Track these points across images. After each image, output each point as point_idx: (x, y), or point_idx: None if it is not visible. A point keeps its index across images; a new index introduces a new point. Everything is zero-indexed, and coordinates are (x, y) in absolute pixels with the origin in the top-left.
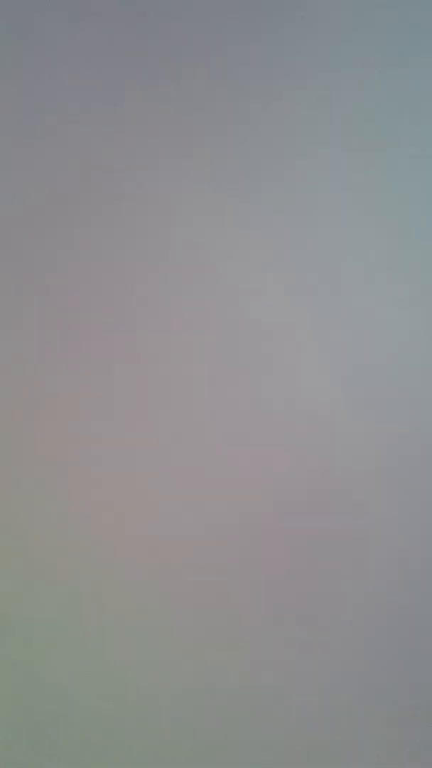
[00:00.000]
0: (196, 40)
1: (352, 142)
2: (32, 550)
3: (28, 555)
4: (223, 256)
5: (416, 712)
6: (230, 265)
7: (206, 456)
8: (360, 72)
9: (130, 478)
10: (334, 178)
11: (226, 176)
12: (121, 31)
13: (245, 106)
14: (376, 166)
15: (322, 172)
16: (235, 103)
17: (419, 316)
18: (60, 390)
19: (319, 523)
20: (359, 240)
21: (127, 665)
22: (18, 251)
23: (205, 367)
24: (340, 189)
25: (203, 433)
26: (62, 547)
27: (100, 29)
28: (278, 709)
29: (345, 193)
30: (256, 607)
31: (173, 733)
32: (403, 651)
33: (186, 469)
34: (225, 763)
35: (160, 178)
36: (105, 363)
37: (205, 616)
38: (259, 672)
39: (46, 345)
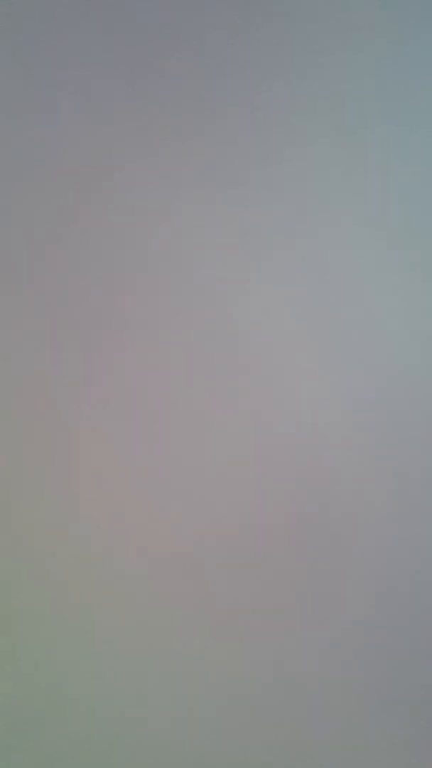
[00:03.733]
0: (196, 41)
1: (351, 147)
2: (32, 551)
3: (27, 556)
4: (223, 267)
5: (417, 712)
6: (231, 277)
7: (206, 463)
8: (359, 71)
9: (130, 483)
10: (334, 185)
11: (225, 182)
12: (121, 31)
13: (241, 106)
14: (377, 171)
15: (321, 179)
16: (232, 104)
17: (423, 331)
18: (60, 395)
19: (316, 531)
20: (363, 250)
21: (126, 666)
22: (19, 257)
23: (205, 378)
24: (341, 196)
25: (203, 442)
26: (62, 550)
27: (98, 29)
28: (278, 708)
29: (346, 201)
30: (255, 611)
31: (172, 732)
32: (402, 650)
33: (186, 475)
34: (225, 763)
35: (158, 183)
36: (105, 373)
37: (204, 618)
38: (258, 671)
39: (46, 354)
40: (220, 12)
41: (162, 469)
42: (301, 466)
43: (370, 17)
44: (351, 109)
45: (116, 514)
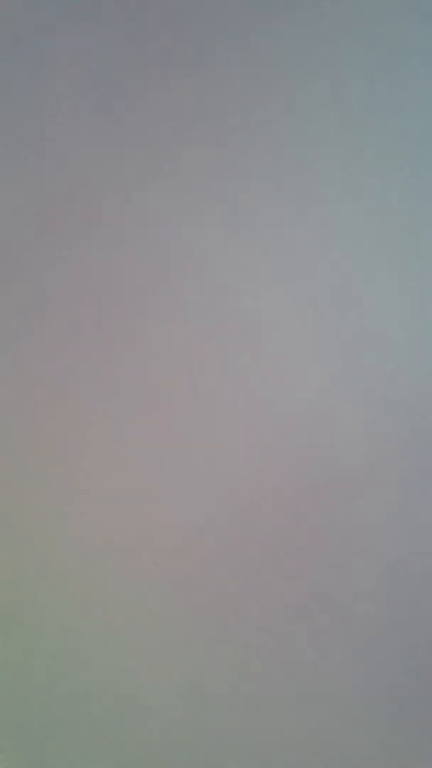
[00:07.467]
0: (196, 42)
1: (349, 138)
2: (31, 546)
3: (27, 551)
4: (217, 249)
5: (416, 711)
6: (225, 260)
7: (202, 451)
8: (359, 70)
9: (128, 471)
10: (332, 177)
11: (223, 178)
12: (121, 32)
13: (243, 103)
14: (374, 164)
15: (319, 171)
16: (232, 100)
17: (413, 309)
18: (58, 387)
19: (317, 517)
20: (356, 232)
21: (126, 662)
22: (18, 257)
23: (201, 362)
24: (337, 187)
25: (200, 429)
26: (61, 545)
27: (99, 30)
28: (275, 707)
29: (342, 189)
30: (255, 603)
31: (172, 731)
32: (401, 646)
33: (182, 463)
34: (224, 763)
35: (158, 177)
36: (103, 363)
37: (203, 613)
38: (258, 668)
39: (45, 347)
40: (222, 18)
41: (163, 460)
42: (303, 456)
43: (370, 16)
44: (351, 111)
45: (117, 504)
